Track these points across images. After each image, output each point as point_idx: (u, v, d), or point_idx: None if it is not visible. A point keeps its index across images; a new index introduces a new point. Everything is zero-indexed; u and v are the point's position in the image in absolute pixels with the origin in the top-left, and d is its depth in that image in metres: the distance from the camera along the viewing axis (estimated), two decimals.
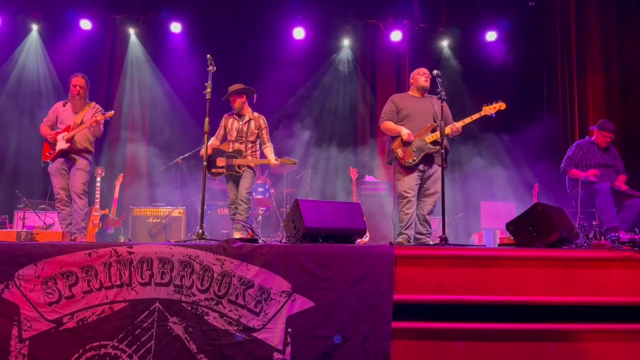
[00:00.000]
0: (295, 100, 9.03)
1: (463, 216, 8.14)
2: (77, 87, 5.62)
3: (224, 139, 5.84)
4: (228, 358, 3.09)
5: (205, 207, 4.36)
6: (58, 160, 5.52)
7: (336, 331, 3.14)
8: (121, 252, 3.22)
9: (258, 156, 5.78)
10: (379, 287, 3.19)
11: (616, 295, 3.32)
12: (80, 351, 3.08)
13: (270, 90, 8.49)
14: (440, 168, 4.64)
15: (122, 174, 7.94)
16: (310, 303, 3.17)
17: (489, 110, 4.99)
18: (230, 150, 5.71)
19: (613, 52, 7.77)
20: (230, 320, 3.14)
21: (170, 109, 8.83)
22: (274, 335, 3.13)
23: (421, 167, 5.03)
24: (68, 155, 5.54)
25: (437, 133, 4.77)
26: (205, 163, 4.49)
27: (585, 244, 3.93)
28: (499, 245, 4.36)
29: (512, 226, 3.85)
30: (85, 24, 8.59)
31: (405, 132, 5.01)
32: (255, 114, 5.82)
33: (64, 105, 5.71)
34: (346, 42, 9.16)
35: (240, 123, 5.73)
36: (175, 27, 8.80)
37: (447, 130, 4.94)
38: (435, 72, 4.71)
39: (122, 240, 7.00)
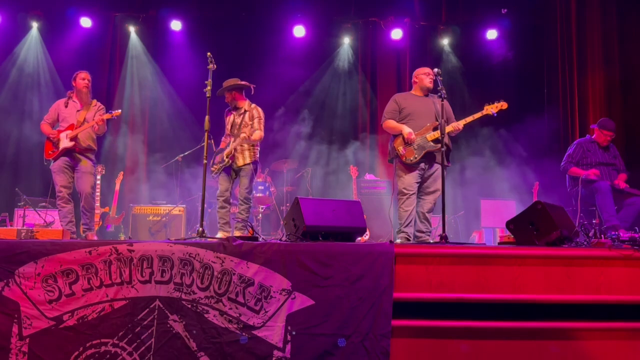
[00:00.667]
0: (296, 98, 9.03)
1: (463, 214, 8.14)
2: (86, 80, 5.65)
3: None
4: (228, 356, 3.09)
5: (205, 205, 4.36)
6: (61, 158, 5.51)
7: (336, 329, 3.14)
8: (121, 250, 3.22)
9: (255, 152, 5.55)
10: (379, 285, 3.20)
11: (616, 293, 3.32)
12: (81, 349, 3.09)
13: (271, 88, 8.49)
14: (440, 166, 4.64)
15: (122, 172, 7.95)
16: (310, 301, 3.17)
17: (491, 109, 4.99)
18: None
19: (614, 51, 7.76)
20: (231, 318, 3.15)
21: (171, 107, 8.83)
22: (274, 333, 3.13)
23: (422, 165, 5.03)
24: (71, 154, 5.53)
25: (439, 131, 4.77)
26: (205, 161, 4.48)
27: (585, 243, 3.93)
28: (499, 243, 4.36)
29: (512, 224, 3.85)
30: (86, 22, 8.59)
31: (406, 130, 5.01)
32: (253, 105, 5.66)
33: (65, 105, 5.67)
34: (346, 40, 9.16)
35: (237, 116, 5.62)
36: (176, 25, 8.80)
37: (449, 128, 4.94)
38: (435, 70, 4.71)
39: (122, 238, 7.00)
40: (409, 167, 5.03)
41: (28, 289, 3.14)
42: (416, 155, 4.97)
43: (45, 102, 8.23)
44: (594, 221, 5.72)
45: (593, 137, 6.06)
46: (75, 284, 3.17)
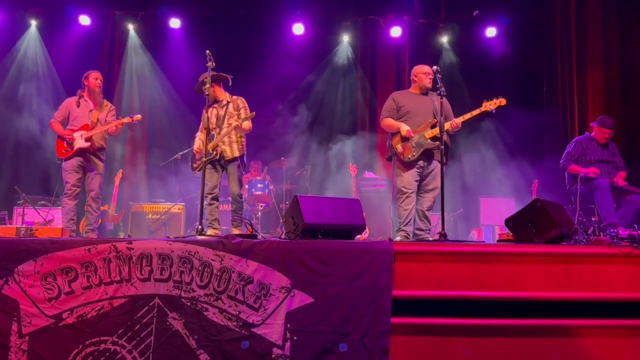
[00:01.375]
0: (295, 96, 9.03)
1: (462, 212, 8.14)
2: (99, 81, 5.67)
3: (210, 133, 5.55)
4: (227, 353, 3.09)
5: (204, 203, 4.36)
6: (75, 158, 5.50)
7: (336, 327, 3.14)
8: (120, 248, 3.22)
9: (243, 144, 5.42)
10: (378, 283, 3.20)
11: (615, 291, 3.32)
12: (80, 347, 3.09)
13: (270, 86, 8.51)
14: (439, 164, 4.64)
15: (121, 170, 7.95)
16: (309, 299, 3.17)
17: (489, 105, 4.98)
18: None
19: (613, 48, 7.76)
20: (230, 316, 3.15)
21: (170, 105, 8.83)
22: (274, 330, 3.13)
23: (421, 163, 5.03)
24: (85, 154, 5.53)
25: (437, 129, 4.76)
26: (204, 159, 4.49)
27: (584, 240, 3.93)
28: (498, 241, 4.37)
29: (511, 222, 3.85)
30: (84, 20, 8.59)
31: (404, 128, 5.01)
32: (234, 96, 5.51)
33: (77, 104, 5.64)
34: (346, 38, 9.15)
35: (219, 108, 5.46)
36: (175, 23, 8.80)
37: (447, 126, 4.94)
38: (434, 67, 4.70)
39: (121, 236, 7.00)
40: (408, 165, 5.03)
41: (27, 287, 3.14)
42: (414, 153, 4.97)
43: (44, 100, 8.23)
44: (593, 219, 5.73)
45: (592, 134, 6.06)
46: (74, 282, 3.17)
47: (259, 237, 3.75)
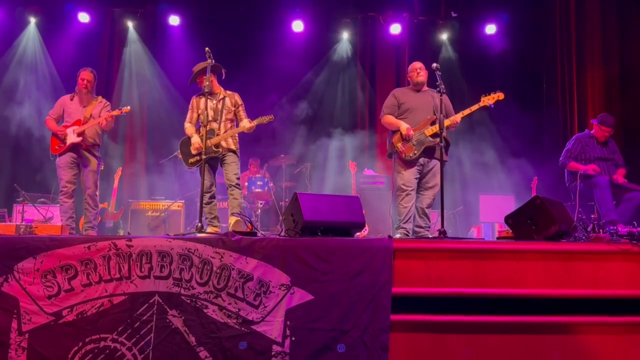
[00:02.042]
0: (294, 93, 9.01)
1: (462, 209, 8.15)
2: (85, 81, 5.61)
3: (198, 122, 5.46)
4: (227, 351, 3.10)
5: (204, 201, 4.36)
6: (68, 154, 5.49)
7: (335, 324, 3.15)
8: (120, 245, 3.22)
9: (236, 139, 5.38)
10: (378, 280, 3.20)
11: (614, 288, 3.32)
12: (80, 344, 3.09)
13: (269, 84, 8.50)
14: (439, 161, 4.64)
15: (120, 168, 7.95)
16: (309, 296, 3.18)
17: (487, 100, 4.97)
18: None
19: (613, 46, 7.76)
20: (230, 313, 3.15)
21: (169, 102, 8.81)
22: (273, 328, 3.13)
23: (421, 160, 5.03)
24: (78, 150, 5.52)
25: (437, 126, 4.76)
26: (204, 156, 4.48)
27: (583, 237, 3.93)
28: (497, 238, 4.38)
29: (510, 219, 3.85)
30: (84, 17, 8.56)
31: (404, 126, 5.00)
32: (229, 91, 5.44)
33: (71, 99, 5.67)
34: (345, 35, 9.13)
35: (215, 101, 5.31)
36: (174, 20, 8.78)
37: (447, 122, 4.93)
38: (434, 65, 4.68)
39: (121, 234, 7.00)
40: (408, 163, 5.03)
41: (27, 285, 3.14)
42: (415, 152, 4.97)
43: (43, 97, 8.21)
44: (592, 216, 5.73)
45: (592, 132, 6.06)
46: (74, 280, 3.17)
47: (259, 234, 3.75)
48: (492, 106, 4.96)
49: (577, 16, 8.11)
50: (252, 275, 3.18)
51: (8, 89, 8.36)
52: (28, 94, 8.39)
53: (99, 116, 5.56)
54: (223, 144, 5.24)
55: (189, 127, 5.40)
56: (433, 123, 4.94)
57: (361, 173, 7.83)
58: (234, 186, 5.28)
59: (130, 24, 8.86)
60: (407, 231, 4.99)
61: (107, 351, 3.09)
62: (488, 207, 7.65)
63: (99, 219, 7.15)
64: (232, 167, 5.27)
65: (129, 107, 5.65)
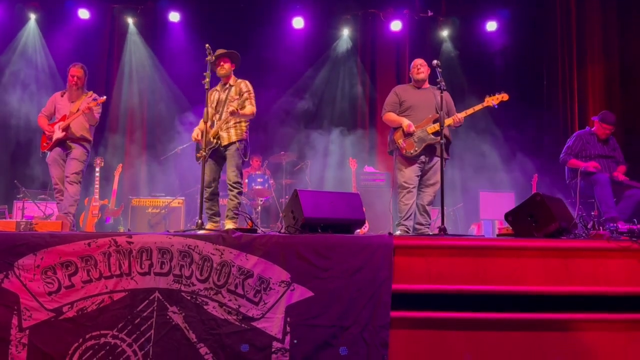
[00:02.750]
0: (295, 90, 9.00)
1: (462, 207, 8.15)
2: (75, 78, 5.57)
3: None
4: (227, 347, 3.10)
5: (205, 196, 4.36)
6: (55, 150, 5.46)
7: (335, 320, 3.15)
8: (120, 242, 3.22)
9: (244, 129, 5.05)
10: (378, 276, 3.20)
11: (614, 285, 3.33)
12: (80, 340, 3.10)
13: (269, 81, 8.47)
14: (440, 159, 4.63)
15: (121, 164, 7.94)
16: (309, 293, 3.18)
17: (492, 101, 4.98)
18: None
19: (614, 43, 7.74)
20: (230, 310, 3.15)
21: (169, 99, 8.81)
22: (273, 324, 3.14)
23: (422, 158, 5.03)
24: (64, 144, 5.49)
25: (439, 124, 4.75)
26: (204, 153, 4.48)
27: (583, 234, 3.94)
28: (497, 235, 4.38)
29: (510, 216, 3.85)
30: (84, 13, 8.55)
31: (406, 123, 5.00)
32: (239, 80, 5.17)
33: (62, 96, 5.67)
34: (346, 31, 9.12)
35: (221, 92, 5.13)
36: (174, 17, 8.77)
37: (449, 121, 4.93)
38: (434, 62, 4.67)
39: (121, 231, 7.01)
40: (409, 160, 5.03)
41: (27, 281, 3.15)
42: (416, 148, 4.97)
43: (43, 94, 8.19)
44: (592, 213, 5.73)
45: (593, 129, 6.05)
46: (74, 276, 3.17)
47: (259, 231, 3.76)
48: (496, 106, 4.97)
49: (578, 13, 8.10)
50: (252, 272, 3.19)
51: (8, 85, 8.34)
52: (28, 90, 8.38)
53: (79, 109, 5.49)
54: (224, 135, 4.97)
55: (201, 123, 5.10)
56: (436, 121, 4.93)
57: (361, 170, 7.83)
58: (232, 185, 4.99)
59: (130, 21, 8.85)
60: (407, 228, 4.99)
61: (108, 347, 3.09)
62: (488, 204, 7.65)
63: (99, 215, 7.16)
64: (231, 162, 5.00)
65: (104, 97, 5.51)
